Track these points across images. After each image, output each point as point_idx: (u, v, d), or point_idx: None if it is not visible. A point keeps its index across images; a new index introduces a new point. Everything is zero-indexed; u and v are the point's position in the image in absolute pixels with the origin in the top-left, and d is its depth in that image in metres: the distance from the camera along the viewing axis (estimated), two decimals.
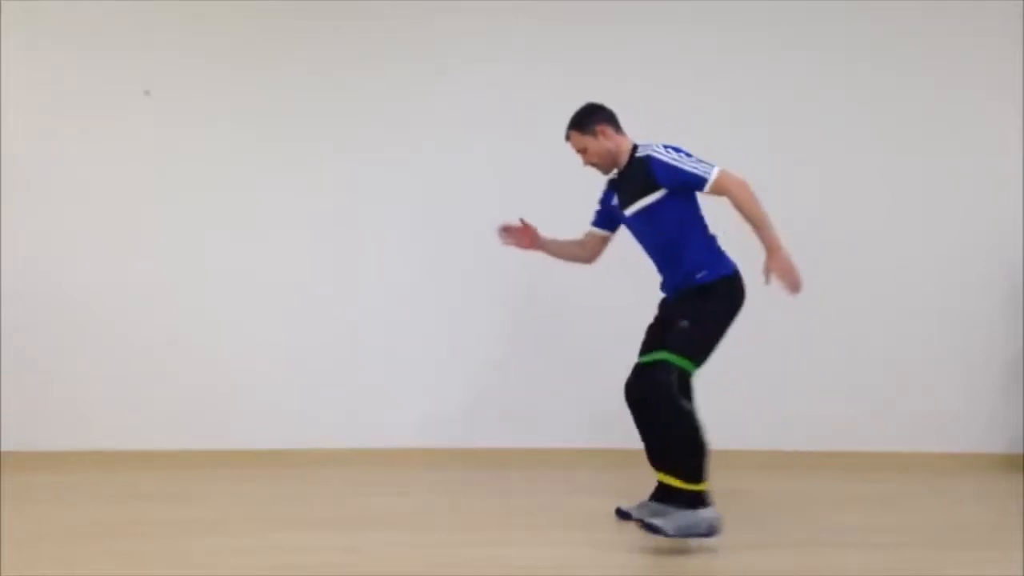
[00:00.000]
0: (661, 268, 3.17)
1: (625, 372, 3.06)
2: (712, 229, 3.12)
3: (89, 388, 4.20)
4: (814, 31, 4.33)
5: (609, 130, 3.10)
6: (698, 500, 2.87)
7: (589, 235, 3.37)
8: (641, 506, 3.16)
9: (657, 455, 3.13)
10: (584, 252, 3.40)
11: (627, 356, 3.10)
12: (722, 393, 4.27)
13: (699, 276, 3.02)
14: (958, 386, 4.30)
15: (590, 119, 3.10)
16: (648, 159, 2.99)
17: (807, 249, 4.29)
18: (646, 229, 3.12)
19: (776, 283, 2.92)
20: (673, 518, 2.86)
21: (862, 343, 4.32)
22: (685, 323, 2.97)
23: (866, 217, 4.33)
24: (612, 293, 4.10)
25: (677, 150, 2.99)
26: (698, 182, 2.93)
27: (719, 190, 2.92)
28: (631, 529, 2.97)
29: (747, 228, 2.93)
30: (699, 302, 3.01)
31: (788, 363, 4.31)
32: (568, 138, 3.15)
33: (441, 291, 4.23)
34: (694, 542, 2.87)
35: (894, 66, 4.33)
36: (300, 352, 4.28)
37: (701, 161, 2.95)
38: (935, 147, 4.33)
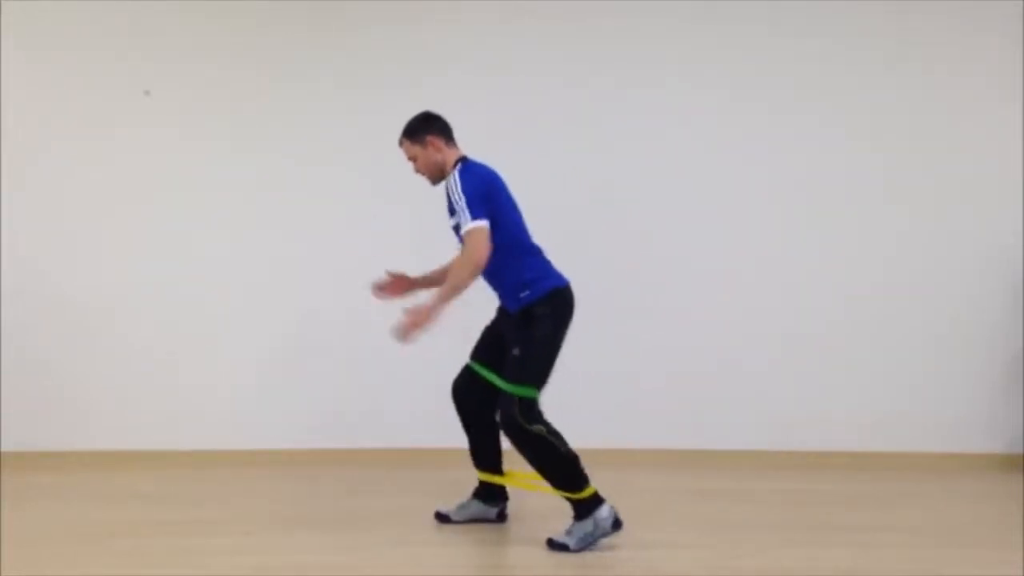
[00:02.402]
0: (489, 284, 3.13)
1: None
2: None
3: (89, 388, 4.20)
4: (813, 31, 4.33)
5: (439, 141, 3.08)
6: (589, 505, 2.92)
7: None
8: (460, 507, 3.24)
9: (478, 456, 3.21)
10: None
11: None
12: (722, 393, 4.32)
13: (522, 296, 3.01)
14: (958, 386, 4.30)
15: (421, 129, 3.09)
16: (449, 180, 3.01)
17: (806, 249, 4.34)
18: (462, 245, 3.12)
19: (400, 324, 2.91)
20: (573, 532, 2.92)
21: (862, 343, 4.32)
22: (516, 352, 3.00)
23: (866, 217, 4.33)
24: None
25: (472, 181, 2.94)
26: (457, 226, 2.95)
27: (463, 240, 2.91)
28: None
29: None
30: (525, 327, 3.00)
31: (788, 363, 4.31)
32: (400, 144, 3.14)
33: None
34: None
35: (894, 66, 4.32)
36: (300, 352, 4.28)
37: (472, 208, 2.89)
38: (935, 148, 4.32)
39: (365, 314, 4.29)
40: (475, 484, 3.26)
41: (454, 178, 2.98)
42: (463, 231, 2.90)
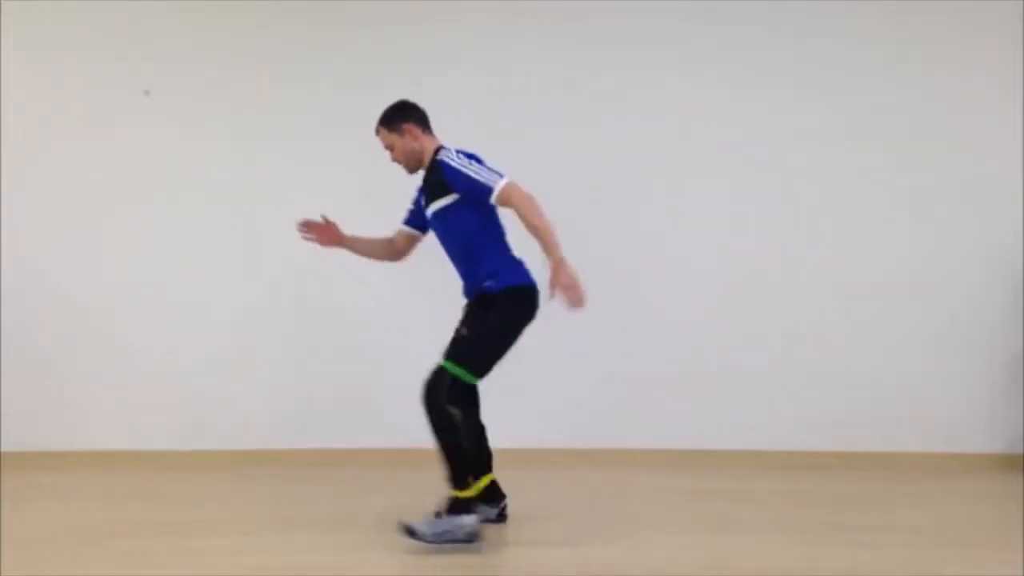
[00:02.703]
0: (458, 271, 3.16)
1: None
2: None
3: (89, 388, 4.21)
4: (812, 31, 4.33)
5: (416, 130, 3.09)
6: (461, 507, 2.92)
7: (399, 233, 3.35)
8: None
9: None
10: (393, 250, 3.38)
11: None
12: (722, 393, 4.32)
13: (487, 284, 3.02)
14: (958, 386, 4.30)
15: (398, 117, 3.09)
16: (440, 163, 2.99)
17: (806, 249, 4.34)
18: (442, 231, 3.13)
19: (560, 298, 2.87)
20: (433, 523, 2.91)
21: (862, 343, 4.32)
22: (464, 332, 3.03)
23: (866, 217, 4.33)
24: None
25: (470, 157, 2.99)
26: (484, 191, 2.91)
27: (504, 201, 2.90)
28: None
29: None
30: (481, 312, 3.03)
31: (788, 363, 4.31)
32: (377, 133, 3.14)
33: (444, 293, 4.23)
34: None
35: (894, 66, 4.32)
36: (301, 352, 4.29)
37: (491, 171, 2.94)
38: (935, 148, 4.32)
39: (365, 314, 4.32)
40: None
41: (451, 157, 2.97)
42: (497, 190, 2.87)
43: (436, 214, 3.07)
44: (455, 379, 2.93)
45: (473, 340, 3.01)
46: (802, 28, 4.34)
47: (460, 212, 3.02)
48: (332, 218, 3.33)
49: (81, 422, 4.20)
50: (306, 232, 3.33)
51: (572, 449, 4.30)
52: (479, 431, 3.20)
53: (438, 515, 3.10)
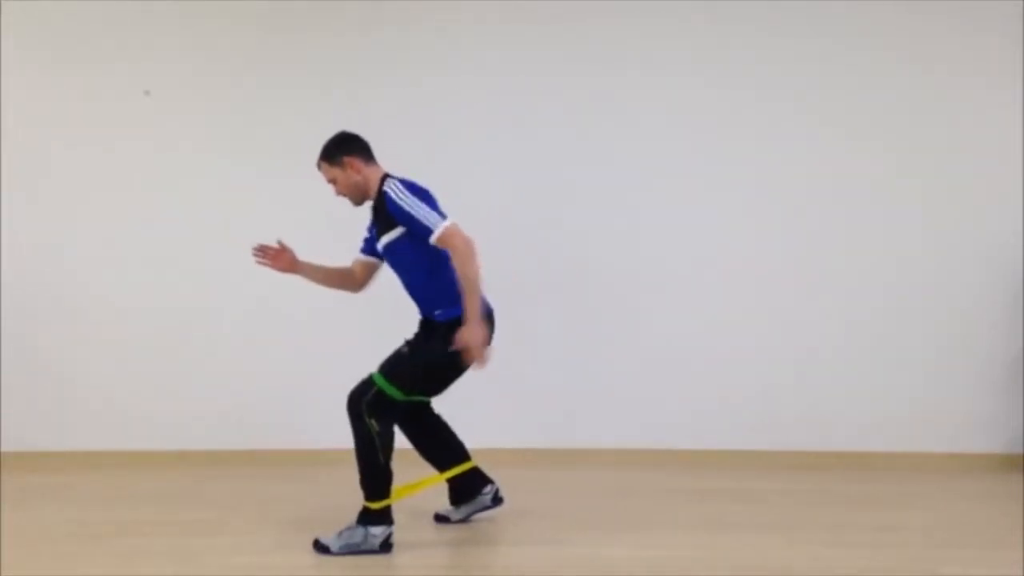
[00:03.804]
0: (410, 296, 3.13)
1: None
2: None
3: (89, 388, 4.21)
4: (810, 32, 4.32)
5: (358, 162, 3.00)
6: (370, 518, 2.90)
7: (356, 262, 3.28)
8: (455, 510, 3.25)
9: (439, 459, 3.21)
10: (350, 279, 3.30)
11: None
12: (722, 393, 4.32)
13: (437, 313, 3.00)
14: (958, 386, 4.30)
15: (338, 150, 3.01)
16: (385, 195, 2.92)
17: (806, 250, 4.34)
18: (393, 262, 3.09)
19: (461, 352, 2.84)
20: (344, 534, 2.90)
21: (861, 344, 4.32)
22: (404, 350, 3.01)
23: (866, 218, 4.33)
24: None
25: (416, 191, 2.91)
26: (424, 231, 2.84)
27: (444, 243, 2.84)
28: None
29: None
30: (424, 335, 3.03)
31: (788, 363, 4.31)
32: (318, 167, 3.06)
33: None
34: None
35: (894, 66, 4.32)
36: (301, 352, 4.29)
37: (434, 211, 2.86)
38: (935, 148, 4.32)
39: (365, 316, 4.31)
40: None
41: (395, 190, 2.90)
42: (437, 233, 2.82)
43: (387, 247, 3.02)
44: (380, 391, 2.90)
45: (409, 360, 2.97)
46: (800, 29, 4.33)
47: (408, 245, 2.95)
48: (288, 243, 3.23)
49: (81, 422, 4.20)
50: (260, 257, 3.22)
51: (572, 449, 4.30)
52: (434, 429, 3.19)
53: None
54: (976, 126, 4.31)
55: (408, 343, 3.05)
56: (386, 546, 2.88)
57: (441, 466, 3.21)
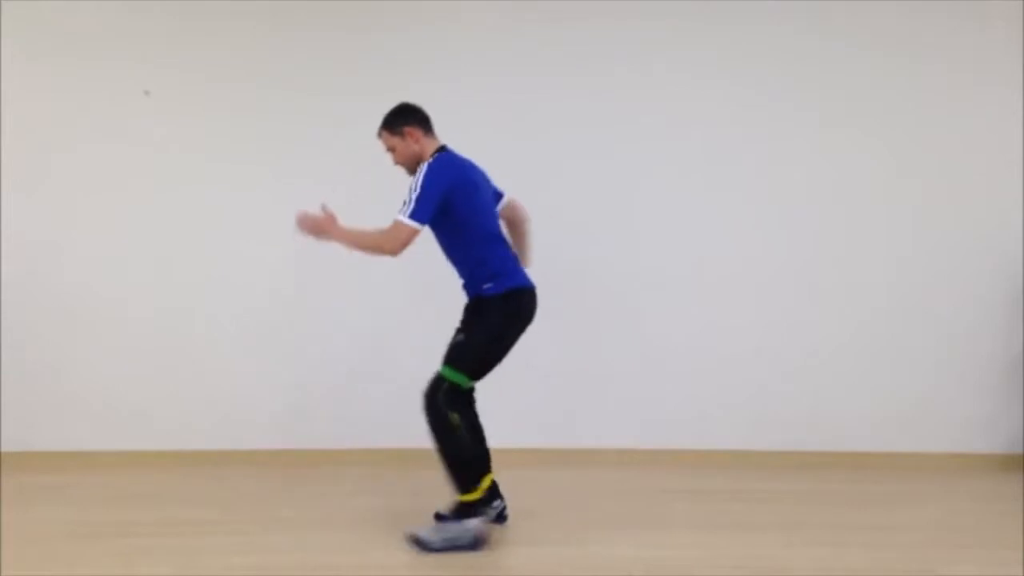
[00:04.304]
0: (456, 272, 3.16)
1: None
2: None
3: (89, 388, 4.20)
4: (811, 31, 4.32)
5: (418, 132, 3.08)
6: (465, 511, 2.93)
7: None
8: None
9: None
10: (512, 227, 3.36)
11: None
12: (722, 393, 4.32)
13: (485, 287, 3.03)
14: (958, 386, 4.30)
15: (399, 120, 3.08)
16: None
17: (806, 251, 4.34)
18: (437, 235, 3.13)
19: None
20: (439, 529, 2.94)
21: (862, 344, 4.32)
22: (461, 337, 3.04)
23: (866, 218, 4.33)
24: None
25: (437, 179, 2.92)
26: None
27: (390, 228, 2.88)
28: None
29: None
30: (477, 316, 3.05)
31: (788, 364, 4.31)
32: (379, 135, 3.14)
33: (449, 294, 4.24)
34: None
35: (894, 66, 4.32)
36: (301, 352, 4.29)
37: (419, 204, 2.88)
38: (935, 147, 4.32)
39: (365, 315, 4.31)
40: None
41: (422, 168, 2.97)
42: (396, 217, 2.87)
43: (432, 220, 3.03)
44: (452, 384, 2.93)
45: (468, 345, 3.01)
46: (800, 29, 4.33)
47: (440, 220, 3.00)
48: (331, 209, 3.24)
49: (81, 422, 4.20)
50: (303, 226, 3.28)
51: (572, 449, 4.30)
52: (478, 432, 3.20)
53: (440, 517, 3.10)
54: (976, 126, 4.31)
55: (460, 331, 3.07)
56: (479, 542, 2.90)
57: None
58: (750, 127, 4.33)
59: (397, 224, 2.88)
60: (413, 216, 2.88)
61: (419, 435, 4.22)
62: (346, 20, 4.29)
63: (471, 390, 3.09)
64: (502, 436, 3.94)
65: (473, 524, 2.92)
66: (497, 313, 3.00)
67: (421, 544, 2.90)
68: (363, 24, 4.30)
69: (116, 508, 3.46)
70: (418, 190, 2.91)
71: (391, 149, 3.13)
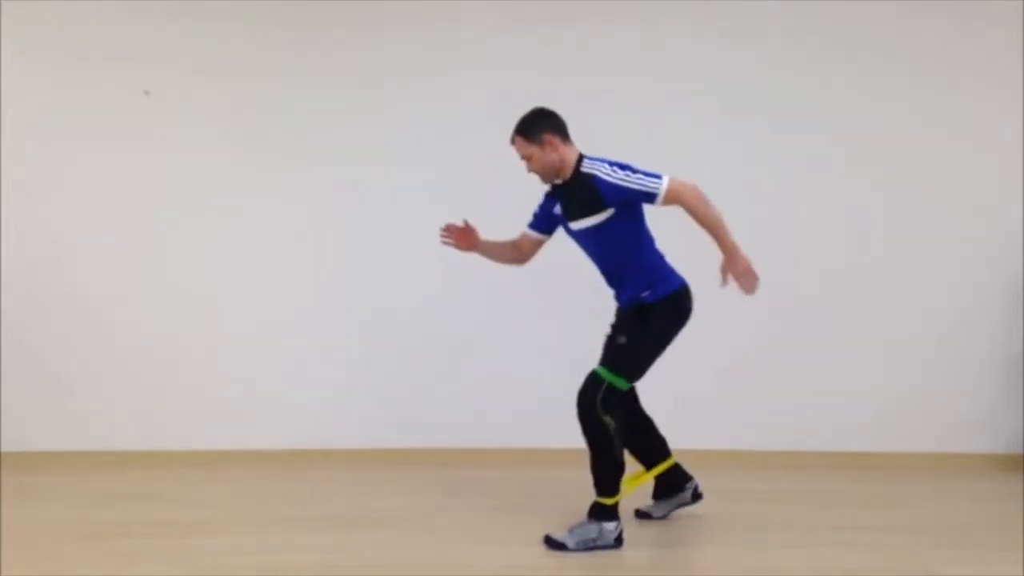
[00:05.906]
0: (609, 283, 3.14)
1: None
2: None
3: (89, 388, 4.20)
4: (811, 31, 4.32)
5: (556, 140, 2.97)
6: (604, 513, 2.94)
7: (524, 237, 3.28)
8: (656, 506, 3.32)
9: (646, 456, 3.27)
10: (518, 254, 3.32)
11: None
12: (724, 393, 4.32)
13: (644, 295, 3.00)
14: (958, 386, 4.30)
15: (537, 127, 2.97)
16: (593, 178, 2.88)
17: (806, 250, 4.34)
18: (592, 246, 3.08)
19: (733, 285, 2.92)
20: (577, 531, 2.94)
21: (862, 344, 4.32)
22: (623, 339, 3.03)
23: (866, 218, 4.33)
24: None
25: (623, 167, 2.89)
26: (648, 197, 2.85)
27: (671, 200, 2.84)
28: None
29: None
30: (640, 321, 3.02)
31: (788, 363, 4.31)
32: (513, 142, 3.03)
33: (451, 294, 4.24)
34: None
35: (894, 66, 4.32)
36: (301, 352, 4.28)
37: (648, 174, 2.85)
38: (934, 147, 4.32)
39: (365, 314, 4.31)
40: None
41: (604, 172, 2.87)
42: (662, 195, 2.82)
43: (588, 231, 2.98)
44: (610, 387, 2.92)
45: (630, 348, 2.99)
46: (800, 29, 4.32)
47: (615, 228, 2.95)
48: (472, 223, 3.26)
49: (81, 422, 4.20)
50: (446, 236, 3.27)
51: (573, 449, 4.29)
52: (646, 424, 3.23)
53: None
54: (976, 126, 4.31)
55: (623, 332, 3.04)
56: (619, 541, 2.92)
57: (646, 460, 3.25)
58: (749, 127, 4.32)
59: (669, 192, 2.82)
60: (654, 175, 2.85)
61: (418, 435, 4.23)
62: (346, 20, 4.29)
63: (625, 393, 3.04)
64: (501, 436, 3.95)
65: (609, 527, 2.93)
66: (661, 318, 2.98)
67: (558, 545, 2.91)
68: (363, 24, 4.29)
69: (116, 508, 3.46)
70: (628, 180, 2.84)
71: (527, 157, 3.01)
